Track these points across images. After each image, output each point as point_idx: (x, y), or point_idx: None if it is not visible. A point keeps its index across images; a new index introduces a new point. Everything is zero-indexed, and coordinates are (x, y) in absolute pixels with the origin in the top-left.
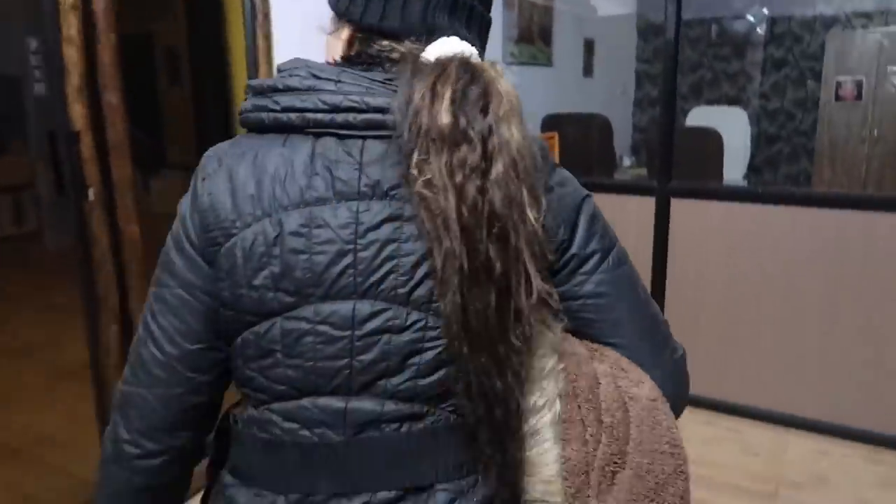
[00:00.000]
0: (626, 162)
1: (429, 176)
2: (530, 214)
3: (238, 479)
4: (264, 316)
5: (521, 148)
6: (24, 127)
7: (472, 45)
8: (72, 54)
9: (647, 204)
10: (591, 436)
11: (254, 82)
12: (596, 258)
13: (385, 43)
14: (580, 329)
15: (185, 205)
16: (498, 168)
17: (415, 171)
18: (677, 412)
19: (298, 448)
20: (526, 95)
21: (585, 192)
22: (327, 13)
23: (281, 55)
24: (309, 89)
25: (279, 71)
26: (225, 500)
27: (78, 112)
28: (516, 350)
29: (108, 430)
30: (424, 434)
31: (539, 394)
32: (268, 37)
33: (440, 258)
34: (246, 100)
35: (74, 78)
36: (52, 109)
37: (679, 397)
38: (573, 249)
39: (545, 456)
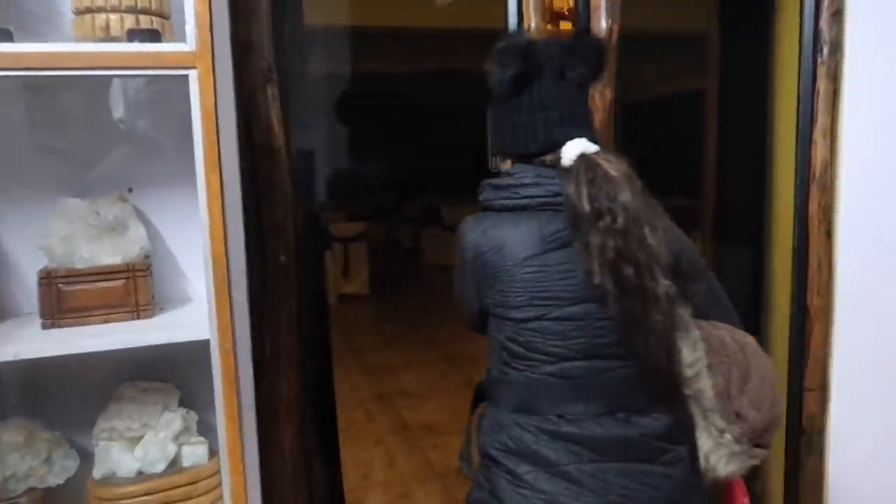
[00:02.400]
0: None
1: (587, 239)
2: (651, 241)
3: (521, 412)
4: (533, 320)
5: (633, 205)
6: None
7: (585, 131)
8: None
9: None
10: (726, 369)
11: (494, 182)
12: (700, 272)
13: (536, 159)
14: (698, 316)
15: (466, 255)
16: (620, 222)
17: (580, 237)
18: None
19: (566, 383)
20: None
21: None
22: None
23: (853, 102)
24: (537, 184)
25: (509, 174)
26: (515, 429)
27: None
28: (661, 323)
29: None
30: (634, 378)
31: (696, 353)
32: (835, 79)
33: (601, 284)
34: (484, 192)
35: None
36: None
37: None
38: (684, 269)
39: (705, 386)
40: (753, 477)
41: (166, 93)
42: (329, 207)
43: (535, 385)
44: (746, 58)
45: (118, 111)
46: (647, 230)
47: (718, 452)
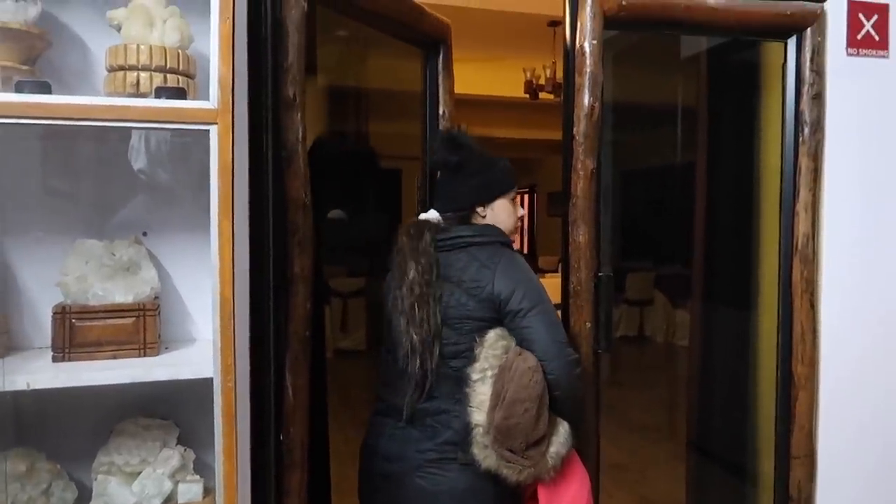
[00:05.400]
0: None
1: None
2: (417, 282)
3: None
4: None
5: (425, 255)
6: None
7: (441, 205)
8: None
9: None
10: (504, 383)
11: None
12: (523, 311)
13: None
14: (521, 344)
15: None
16: (422, 263)
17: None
18: (566, 380)
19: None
20: None
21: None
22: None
23: (833, 179)
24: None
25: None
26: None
27: None
28: (419, 336)
29: None
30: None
31: (484, 363)
32: (816, 157)
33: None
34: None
35: None
36: None
37: (565, 372)
38: (509, 306)
39: (481, 389)
40: None
41: (182, 145)
42: (328, 262)
43: (386, 369)
44: (733, 134)
45: (138, 161)
46: (413, 273)
47: (476, 443)
